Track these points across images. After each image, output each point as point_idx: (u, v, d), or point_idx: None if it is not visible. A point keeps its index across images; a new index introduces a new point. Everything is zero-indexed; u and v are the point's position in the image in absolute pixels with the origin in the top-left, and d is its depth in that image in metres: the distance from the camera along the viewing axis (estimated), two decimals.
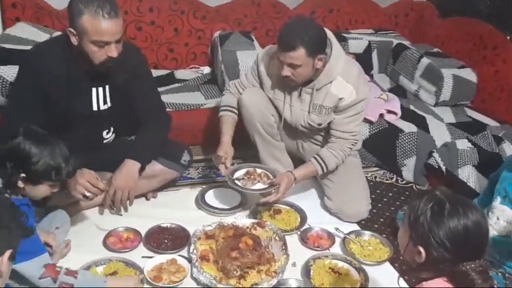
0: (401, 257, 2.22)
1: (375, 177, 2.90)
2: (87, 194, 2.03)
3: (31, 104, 2.08)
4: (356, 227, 2.41)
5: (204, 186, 2.63)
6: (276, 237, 2.19)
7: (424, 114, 3.09)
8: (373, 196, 2.61)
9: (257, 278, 1.98)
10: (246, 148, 2.55)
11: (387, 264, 2.19)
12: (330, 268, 2.10)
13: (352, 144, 2.42)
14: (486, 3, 3.53)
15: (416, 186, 2.83)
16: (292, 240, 2.26)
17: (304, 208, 2.48)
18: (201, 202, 2.48)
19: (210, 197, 2.54)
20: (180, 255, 2.09)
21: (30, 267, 1.64)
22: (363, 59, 3.51)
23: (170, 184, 2.55)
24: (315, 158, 2.37)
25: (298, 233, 2.32)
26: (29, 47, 2.26)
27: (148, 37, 3.29)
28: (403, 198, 2.72)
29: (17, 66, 2.23)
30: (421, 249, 1.34)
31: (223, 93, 2.62)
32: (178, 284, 1.95)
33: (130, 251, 2.13)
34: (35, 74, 2.06)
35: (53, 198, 2.10)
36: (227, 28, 3.41)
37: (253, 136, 2.51)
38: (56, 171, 1.70)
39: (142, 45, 3.13)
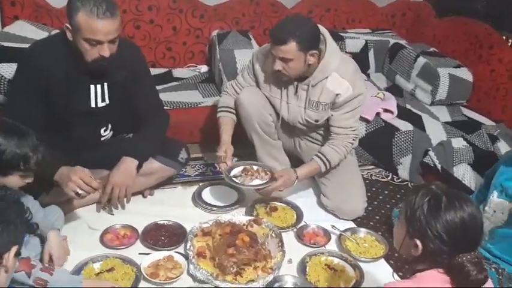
0: (396, 254, 2.24)
1: (371, 175, 2.92)
2: (80, 191, 2.01)
3: (30, 102, 2.09)
4: (352, 225, 2.43)
5: (201, 184, 2.64)
6: (273, 234, 2.20)
7: (420, 113, 3.11)
8: (369, 194, 2.63)
9: (253, 274, 1.99)
10: (243, 146, 2.57)
11: (382, 261, 2.21)
12: (325, 265, 2.11)
13: (354, 139, 2.43)
14: (482, 3, 3.55)
15: (412, 184, 2.85)
16: (289, 237, 2.27)
17: (300, 206, 2.50)
18: (197, 199, 2.49)
19: (207, 195, 2.55)
20: (176, 252, 2.10)
21: None
22: (360, 58, 3.51)
23: (167, 181, 2.56)
24: (317, 156, 2.38)
25: (295, 230, 2.34)
26: (27, 45, 2.27)
27: (147, 35, 3.30)
28: (398, 196, 2.74)
29: (16, 63, 2.24)
30: (418, 242, 1.37)
31: (221, 94, 2.63)
32: (175, 280, 1.97)
33: (127, 247, 2.14)
34: (33, 71, 2.07)
35: (48, 196, 2.12)
36: (225, 27, 3.43)
37: (250, 135, 2.53)
38: (24, 160, 1.66)
39: (141, 43, 3.15)
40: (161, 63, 3.41)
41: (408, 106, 3.21)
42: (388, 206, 2.63)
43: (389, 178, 2.90)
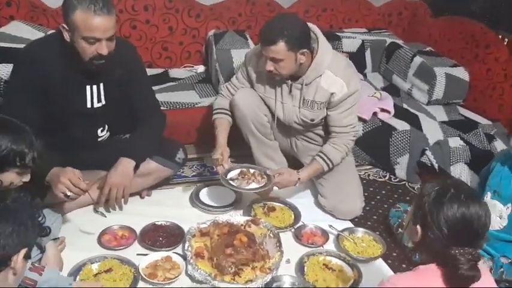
0: (394, 253, 2.25)
1: (368, 175, 2.92)
2: (69, 193, 1.98)
3: (26, 102, 2.08)
4: (349, 224, 2.43)
5: (198, 184, 2.64)
6: (270, 235, 2.20)
7: (417, 113, 3.12)
8: (366, 194, 2.63)
9: (251, 274, 1.99)
10: (239, 147, 2.56)
11: (380, 260, 2.21)
12: (323, 264, 2.12)
13: (354, 136, 2.44)
14: (478, 2, 3.56)
15: (409, 184, 2.85)
16: (286, 237, 2.27)
17: (298, 206, 2.50)
18: (195, 200, 2.49)
19: (205, 195, 2.55)
20: (175, 253, 2.10)
21: None
22: (357, 58, 3.53)
23: (164, 182, 2.56)
24: (319, 156, 2.38)
25: (292, 230, 2.34)
26: (23, 46, 2.26)
27: (143, 35, 3.29)
28: (396, 196, 2.74)
29: (12, 64, 2.22)
30: (418, 228, 1.38)
31: (216, 96, 2.63)
32: (173, 280, 1.96)
33: (125, 248, 2.13)
34: (29, 72, 2.06)
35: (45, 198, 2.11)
36: (221, 27, 3.43)
37: (246, 136, 2.52)
38: (20, 156, 1.64)
39: (137, 43, 3.12)
40: (157, 63, 3.40)
41: (405, 106, 3.22)
42: (386, 205, 2.63)
43: (386, 178, 2.91)
